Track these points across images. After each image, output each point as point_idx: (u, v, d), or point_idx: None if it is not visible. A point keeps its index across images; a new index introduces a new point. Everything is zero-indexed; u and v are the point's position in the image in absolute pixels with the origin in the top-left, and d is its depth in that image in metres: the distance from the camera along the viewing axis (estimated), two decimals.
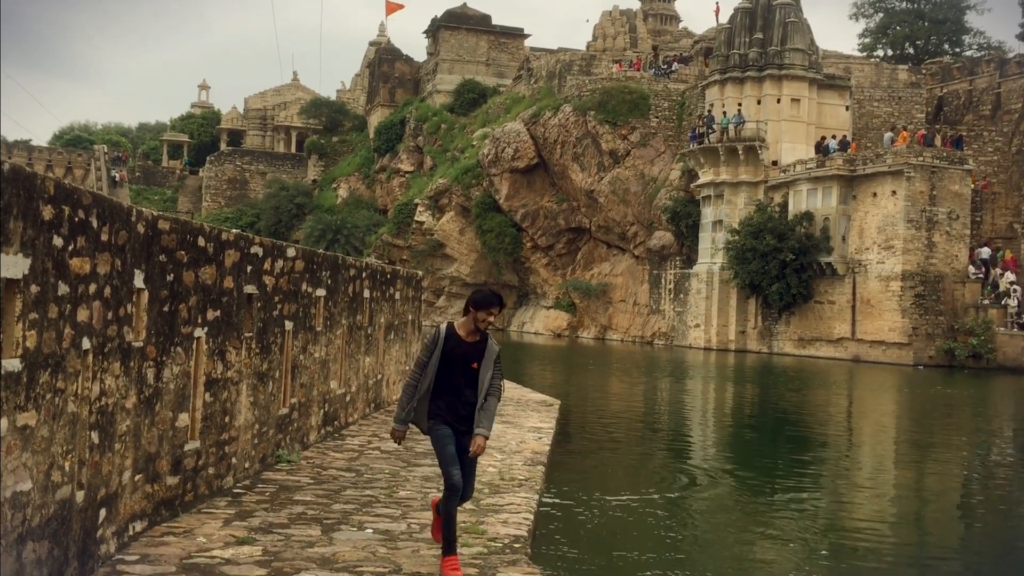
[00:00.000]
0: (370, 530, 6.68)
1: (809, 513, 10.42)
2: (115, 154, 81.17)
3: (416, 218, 58.93)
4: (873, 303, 36.80)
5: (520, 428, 12.69)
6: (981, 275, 36.72)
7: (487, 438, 5.90)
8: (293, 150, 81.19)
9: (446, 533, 5.80)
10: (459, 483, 5.85)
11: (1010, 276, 36.02)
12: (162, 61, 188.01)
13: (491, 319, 6.03)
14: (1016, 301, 35.32)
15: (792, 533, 9.39)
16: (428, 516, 7.20)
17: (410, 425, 6.19)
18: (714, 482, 12.04)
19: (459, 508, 7.55)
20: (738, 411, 21.88)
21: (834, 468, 13.81)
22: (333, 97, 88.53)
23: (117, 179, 73.95)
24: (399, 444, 6.36)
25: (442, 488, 6.03)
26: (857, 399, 25.73)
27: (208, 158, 77.65)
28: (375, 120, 73.01)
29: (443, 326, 6.15)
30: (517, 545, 6.60)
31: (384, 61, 75.56)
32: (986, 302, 35.78)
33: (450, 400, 6.00)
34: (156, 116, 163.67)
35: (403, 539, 6.50)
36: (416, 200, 59.55)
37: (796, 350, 39.52)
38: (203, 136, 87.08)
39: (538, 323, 54.90)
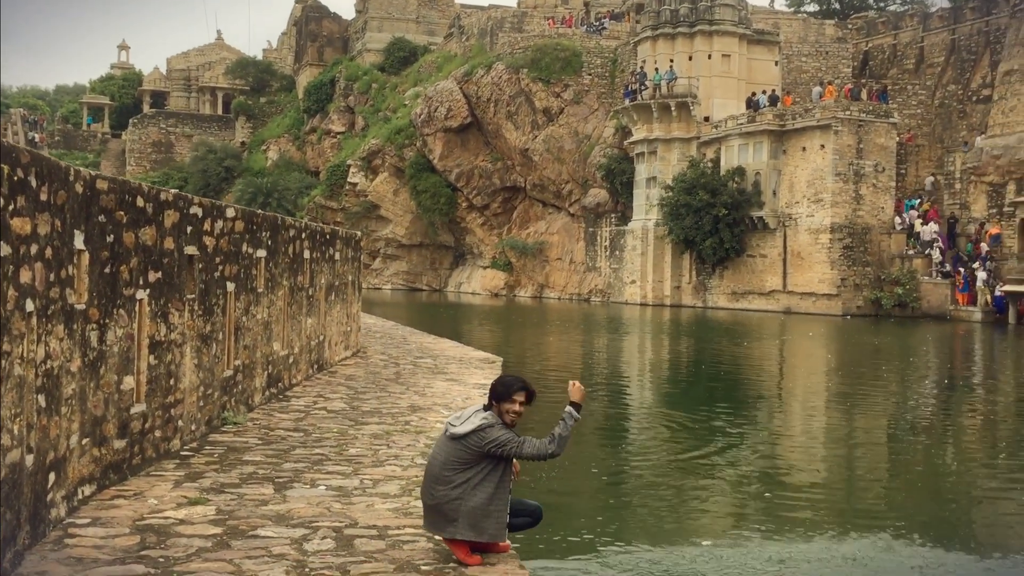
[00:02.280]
0: (323, 487, 6.70)
1: (744, 461, 10.71)
2: (32, 118, 78.36)
3: (349, 179, 58.27)
4: (803, 255, 37.62)
5: (465, 385, 12.77)
6: (906, 226, 37.75)
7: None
8: (220, 112, 79.28)
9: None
10: None
11: (933, 227, 37.09)
12: (77, 20, 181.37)
13: (517, 408, 5.28)
14: (939, 251, 36.43)
15: (727, 483, 9.65)
16: (380, 472, 7.24)
17: None
18: (651, 433, 12.28)
19: (413, 463, 7.60)
20: (674, 364, 22.28)
21: (767, 416, 14.19)
22: (259, 57, 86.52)
23: (37, 141, 71.49)
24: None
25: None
26: (789, 350, 26.38)
27: (131, 121, 75.46)
28: (304, 80, 71.67)
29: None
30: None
31: (311, 19, 74.03)
32: (911, 252, 36.83)
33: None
34: (74, 78, 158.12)
35: (356, 494, 6.52)
36: (348, 161, 58.84)
37: (730, 303, 40.27)
38: (124, 98, 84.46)
39: (475, 283, 54.94)
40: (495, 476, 5.19)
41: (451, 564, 5.13)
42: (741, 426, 12.80)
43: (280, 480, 6.83)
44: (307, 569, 4.91)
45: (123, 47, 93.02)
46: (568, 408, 5.27)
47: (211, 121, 77.09)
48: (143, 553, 5.01)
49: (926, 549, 7.19)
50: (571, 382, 5.49)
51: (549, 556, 6.87)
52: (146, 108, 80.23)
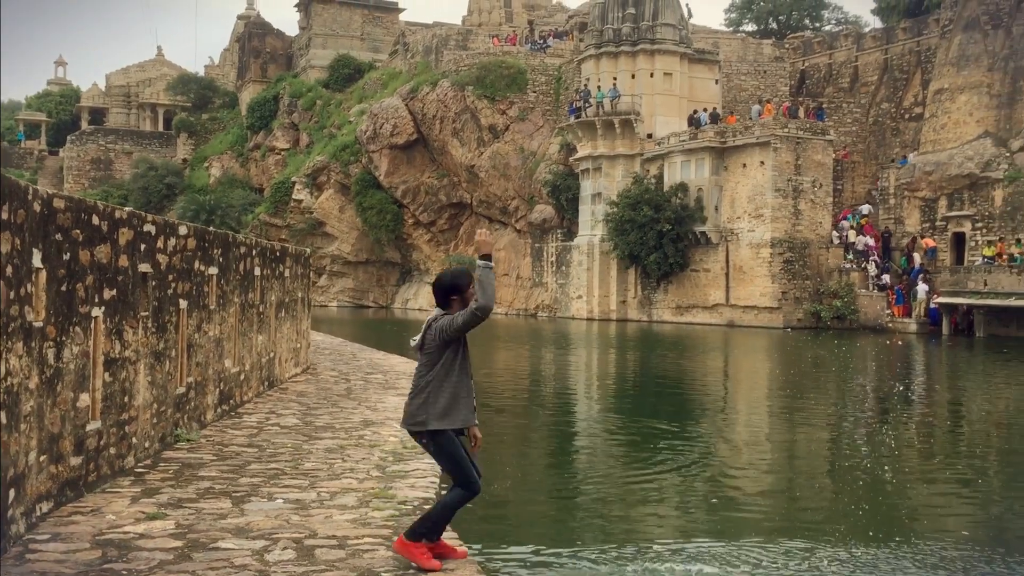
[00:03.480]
0: (280, 500, 6.78)
1: (691, 470, 10.98)
2: None
3: (294, 196, 57.99)
4: (745, 270, 38.37)
5: None
6: (843, 241, 38.73)
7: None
8: (160, 128, 78.31)
9: (440, 520, 5.45)
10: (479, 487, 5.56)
11: (869, 241, 38.11)
12: (12, 35, 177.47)
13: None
14: (874, 264, 37.45)
15: (672, 492, 9.89)
16: (336, 485, 7.34)
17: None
18: (597, 443, 12.51)
19: (369, 476, 7.74)
20: (620, 377, 22.60)
21: (711, 428, 14.52)
22: (201, 73, 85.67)
23: None
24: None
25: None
26: (732, 362, 26.91)
27: (69, 137, 74.15)
28: (247, 96, 71.14)
29: (436, 311, 5.80)
30: (427, 507, 6.81)
31: (255, 36, 73.59)
32: (848, 266, 37.79)
33: (463, 393, 5.71)
34: (9, 95, 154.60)
35: (315, 507, 6.62)
36: (293, 178, 58.56)
37: (674, 317, 40.86)
38: (62, 115, 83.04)
39: (422, 299, 54.89)
40: (455, 365, 5.60)
41: (411, 571, 5.27)
42: (686, 437, 13.10)
43: (237, 494, 6.90)
44: None
45: (60, 63, 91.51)
46: (479, 261, 5.44)
47: (152, 138, 76.11)
48: (106, 567, 5.07)
49: (863, 549, 7.48)
50: (478, 232, 5.77)
51: (506, 563, 7.03)
52: (84, 125, 78.91)
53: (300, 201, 57.64)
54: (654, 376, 22.06)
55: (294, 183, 58.17)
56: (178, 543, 5.56)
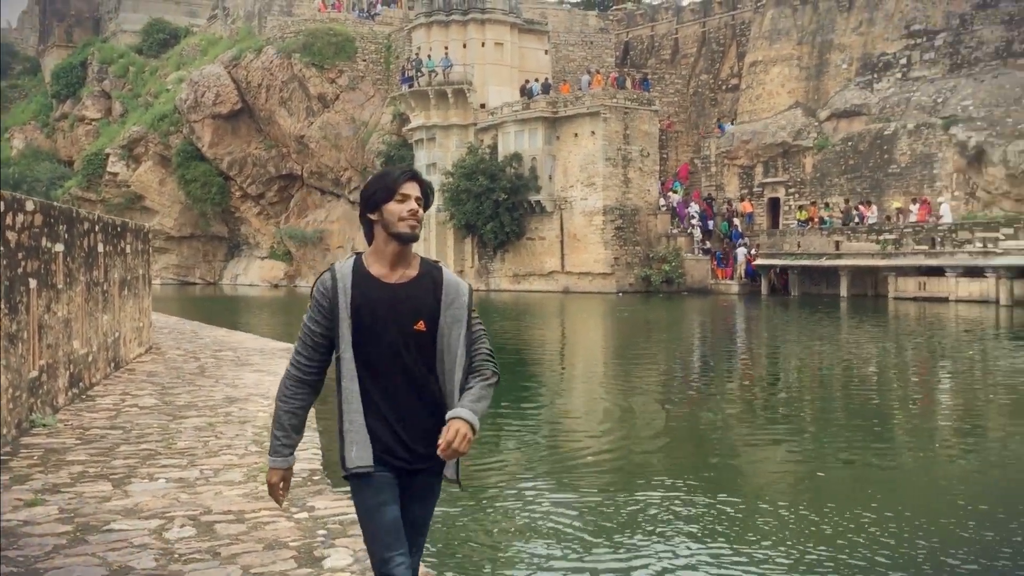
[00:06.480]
0: (163, 480, 6.61)
1: (530, 431, 11.37)
2: None
3: (109, 169, 54.98)
4: (579, 237, 39.49)
5: (275, 375, 12.67)
6: (668, 207, 40.46)
7: (474, 429, 3.01)
8: None
9: None
10: None
11: (695, 207, 39.98)
12: None
13: (418, 208, 3.17)
14: (699, 230, 39.37)
15: (515, 452, 10.22)
16: (217, 462, 7.22)
17: (294, 455, 3.26)
18: None
19: (248, 451, 7.61)
20: None
21: (551, 388, 15.05)
22: None
23: None
24: (280, 500, 3.26)
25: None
26: (567, 326, 27.77)
27: None
28: (51, 63, 66.60)
29: (341, 264, 3.19)
30: (316, 477, 6.84)
31: None
32: (675, 231, 39.56)
33: (388, 406, 3.12)
34: None
35: (201, 484, 6.50)
36: (107, 150, 55.47)
37: (512, 285, 41.60)
38: None
39: (253, 274, 53.47)
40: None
41: (319, 538, 5.30)
42: (526, 396, 13.51)
43: (115, 477, 6.67)
44: (177, 555, 4.94)
45: None
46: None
47: None
48: None
49: (695, 496, 7.98)
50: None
51: None
52: None
53: (116, 174, 54.70)
54: (494, 343, 22.48)
55: (108, 155, 55.10)
56: (67, 527, 5.36)
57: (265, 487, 5.01)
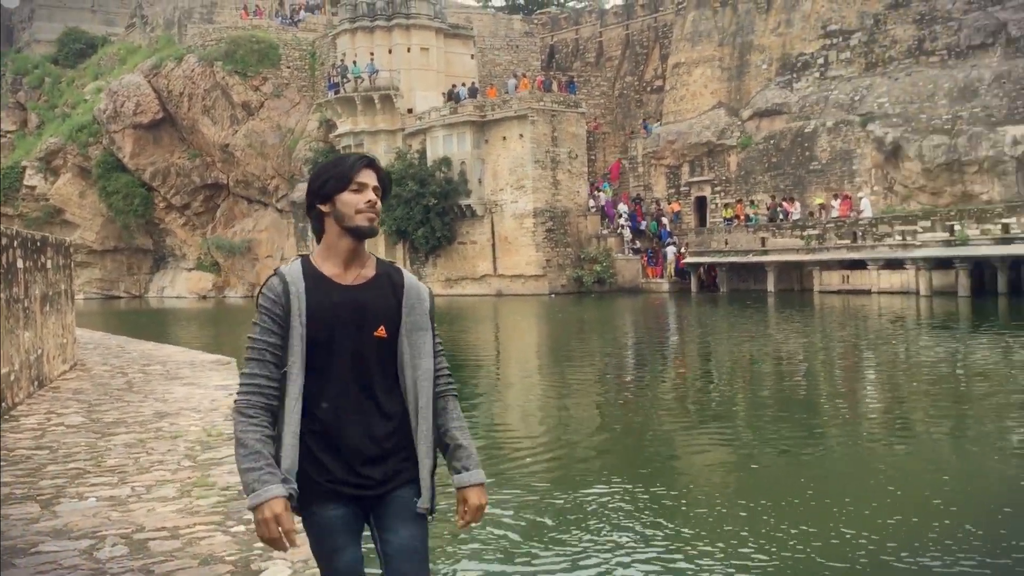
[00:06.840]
0: (93, 499, 6.44)
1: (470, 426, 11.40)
2: None
3: (26, 183, 53.38)
4: (510, 240, 39.60)
5: (206, 387, 12.45)
6: (597, 207, 40.84)
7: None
8: None
9: None
10: None
11: (624, 208, 40.41)
12: None
13: (371, 197, 2.83)
14: (628, 230, 39.81)
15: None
16: (149, 478, 7.05)
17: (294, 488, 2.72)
18: None
19: (180, 467, 7.46)
20: None
21: (488, 391, 15.08)
22: None
23: None
24: (290, 540, 2.66)
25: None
26: (501, 329, 27.83)
27: None
28: None
29: (288, 268, 2.83)
30: None
31: None
32: (605, 232, 39.93)
33: (341, 427, 2.77)
34: None
35: (133, 502, 6.34)
36: (24, 162, 53.84)
37: (445, 290, 41.51)
38: None
39: (180, 286, 52.42)
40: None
41: (256, 551, 5.22)
42: (463, 399, 13.52)
43: (43, 498, 6.47)
44: (109, 575, 4.81)
45: None
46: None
47: None
48: None
49: (634, 492, 8.09)
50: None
51: None
52: None
53: (33, 187, 53.14)
54: None
55: (24, 168, 53.49)
56: None
57: (200, 502, 4.76)
